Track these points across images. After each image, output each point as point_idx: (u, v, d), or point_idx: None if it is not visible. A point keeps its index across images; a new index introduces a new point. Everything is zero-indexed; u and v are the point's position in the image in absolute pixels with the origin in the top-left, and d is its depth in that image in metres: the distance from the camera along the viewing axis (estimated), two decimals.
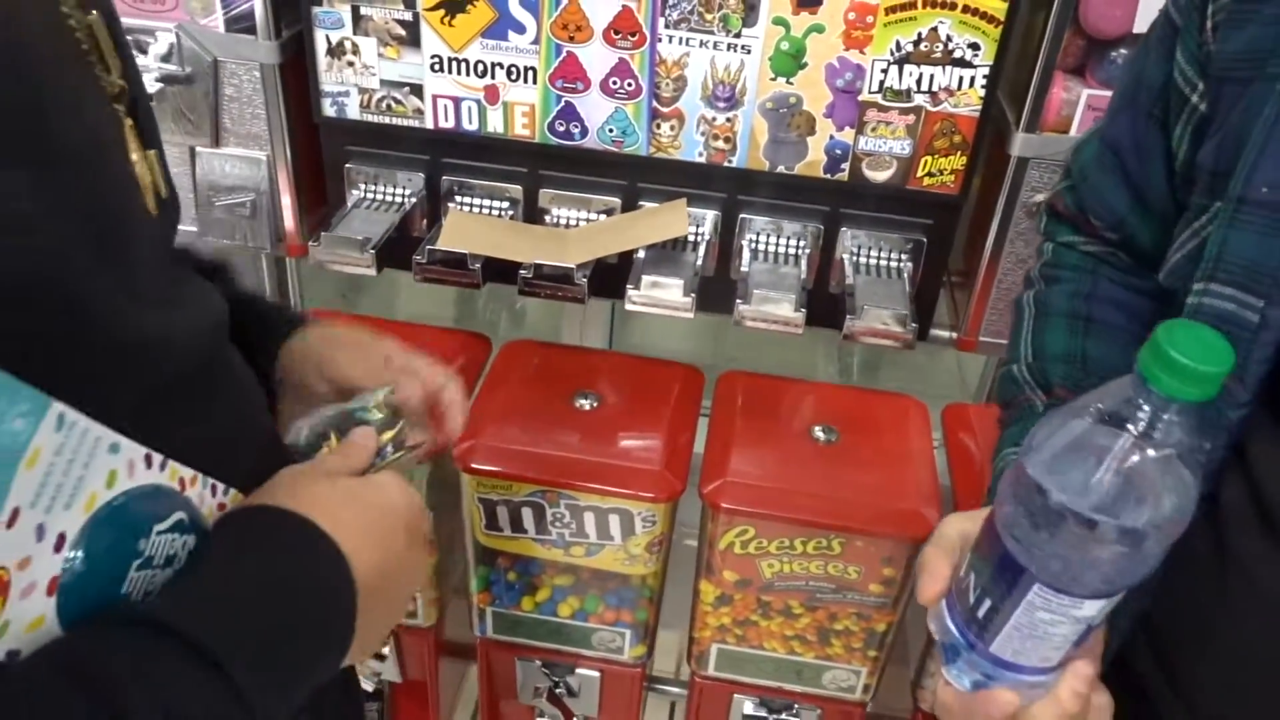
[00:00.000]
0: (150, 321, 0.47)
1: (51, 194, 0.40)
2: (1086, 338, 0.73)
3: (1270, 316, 0.55)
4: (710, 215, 1.17)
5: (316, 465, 0.58)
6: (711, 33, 1.06)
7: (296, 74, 1.16)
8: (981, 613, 0.53)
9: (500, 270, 1.13)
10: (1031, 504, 0.48)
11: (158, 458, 0.45)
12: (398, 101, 1.15)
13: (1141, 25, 0.98)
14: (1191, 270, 0.60)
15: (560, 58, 1.09)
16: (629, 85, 1.10)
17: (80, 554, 0.41)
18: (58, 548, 0.40)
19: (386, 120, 1.16)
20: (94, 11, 0.46)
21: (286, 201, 1.23)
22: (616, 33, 1.07)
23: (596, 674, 1.26)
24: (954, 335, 1.23)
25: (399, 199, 1.20)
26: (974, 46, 1.03)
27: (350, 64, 1.13)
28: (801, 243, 1.16)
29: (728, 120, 1.10)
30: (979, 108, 1.06)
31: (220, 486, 0.51)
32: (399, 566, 0.55)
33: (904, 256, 1.15)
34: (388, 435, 0.66)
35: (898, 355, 2.44)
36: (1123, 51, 1.02)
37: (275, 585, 0.47)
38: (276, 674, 0.45)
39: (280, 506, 0.50)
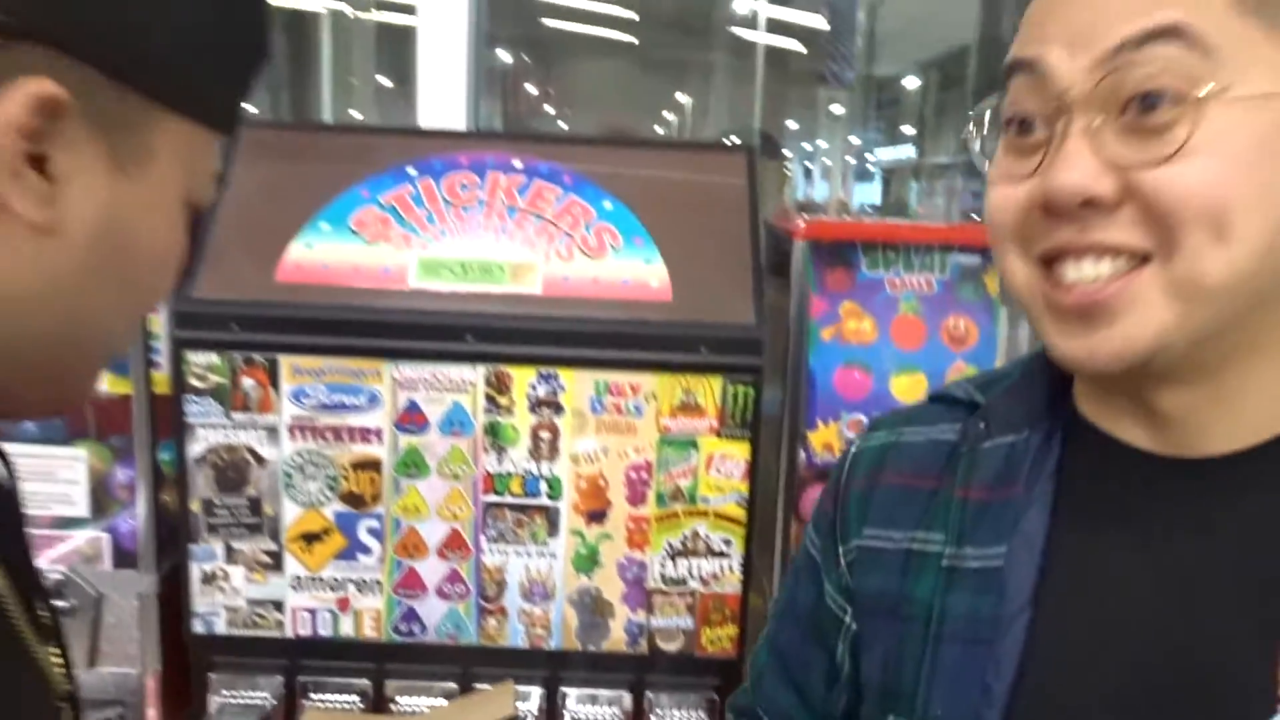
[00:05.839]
0: None
1: None
2: None
3: None
4: (535, 691, 1.37)
5: None
6: (524, 544, 1.33)
7: (171, 595, 1.35)
8: None
9: None
10: None
11: None
12: (261, 616, 1.35)
13: None
14: None
15: (402, 572, 1.33)
16: (460, 589, 1.34)
17: None
18: None
19: (250, 633, 1.35)
20: None
21: (151, 714, 1.36)
22: (448, 549, 1.33)
23: None
24: None
25: (259, 700, 1.36)
26: (727, 541, 1.33)
27: (221, 589, 1.34)
28: (614, 708, 1.37)
29: (543, 611, 1.35)
30: (739, 586, 1.34)
31: None
32: None
33: (700, 713, 1.37)
34: None
35: None
36: None
37: None
38: None
39: None
